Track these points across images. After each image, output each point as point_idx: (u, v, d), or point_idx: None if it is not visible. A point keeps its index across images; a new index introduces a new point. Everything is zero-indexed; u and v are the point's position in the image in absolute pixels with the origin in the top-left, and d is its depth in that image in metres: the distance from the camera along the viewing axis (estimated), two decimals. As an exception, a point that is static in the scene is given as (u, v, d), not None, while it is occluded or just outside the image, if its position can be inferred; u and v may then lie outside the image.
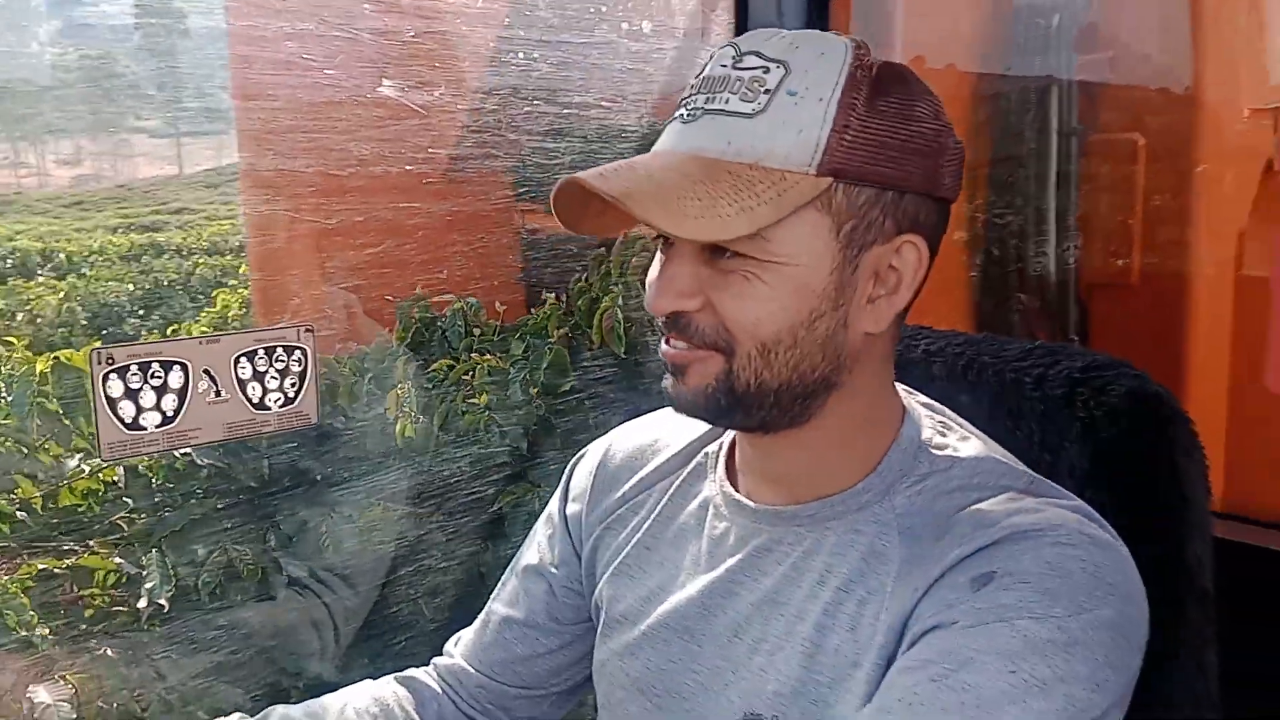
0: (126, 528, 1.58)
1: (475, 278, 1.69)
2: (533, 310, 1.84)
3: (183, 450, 1.54)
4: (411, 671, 1.24)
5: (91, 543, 1.56)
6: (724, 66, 0.88)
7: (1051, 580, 0.81)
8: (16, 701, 1.35)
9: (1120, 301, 2.31)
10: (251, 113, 1.43)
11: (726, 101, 0.86)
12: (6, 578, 1.47)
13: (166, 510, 1.56)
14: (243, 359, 1.34)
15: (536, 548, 1.20)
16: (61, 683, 1.40)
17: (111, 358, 1.23)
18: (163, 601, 1.52)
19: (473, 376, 1.81)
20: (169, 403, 1.29)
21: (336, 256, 1.50)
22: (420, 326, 1.79)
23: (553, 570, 1.17)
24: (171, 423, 1.30)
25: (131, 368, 1.25)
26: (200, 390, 1.32)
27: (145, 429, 1.28)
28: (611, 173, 0.86)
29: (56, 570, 1.49)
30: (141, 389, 1.26)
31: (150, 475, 1.58)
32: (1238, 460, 1.59)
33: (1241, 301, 2.10)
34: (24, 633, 1.42)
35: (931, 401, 1.03)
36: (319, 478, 1.66)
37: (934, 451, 0.95)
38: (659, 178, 0.85)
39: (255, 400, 1.37)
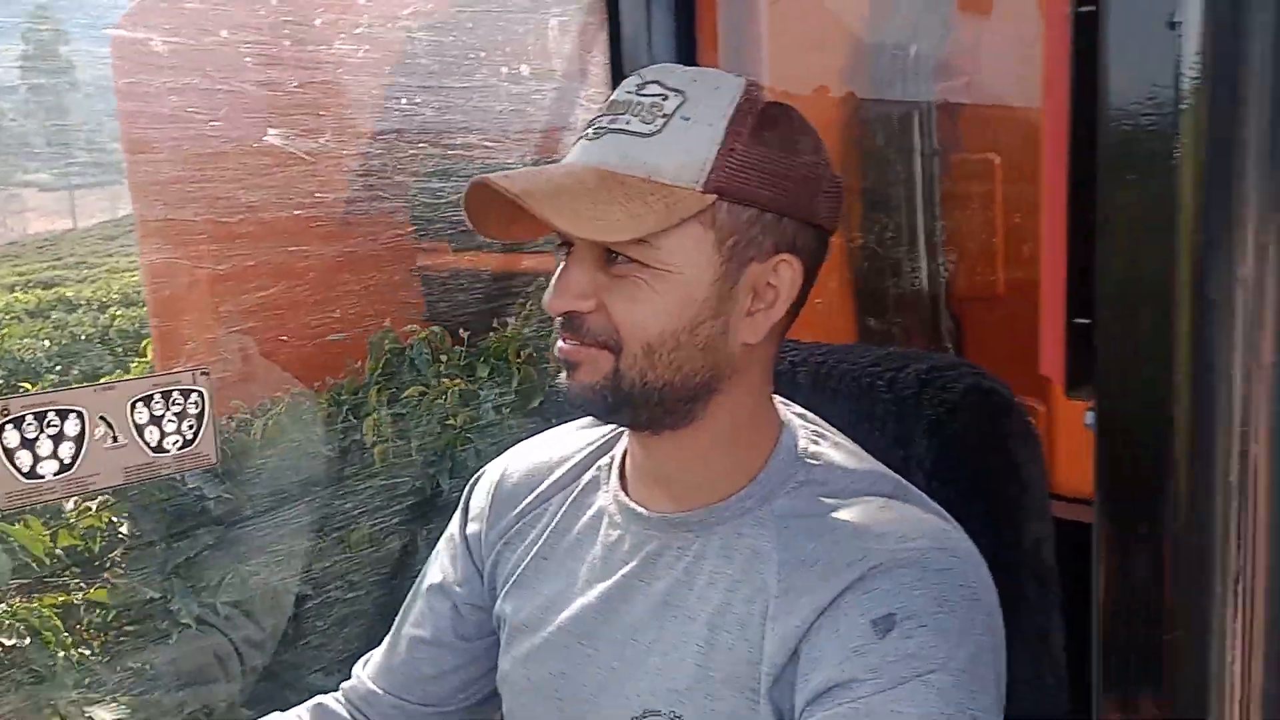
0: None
1: (369, 315, 1.74)
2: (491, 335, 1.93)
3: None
4: (318, 700, 1.26)
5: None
6: (629, 93, 0.97)
7: (943, 618, 0.89)
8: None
9: (988, 313, 2.45)
10: (140, 165, 1.46)
11: (628, 123, 0.95)
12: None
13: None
14: (139, 404, 1.37)
15: (440, 567, 1.23)
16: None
17: (6, 409, 1.24)
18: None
19: (445, 400, 1.89)
20: (66, 450, 1.31)
21: (230, 300, 1.53)
22: (390, 357, 1.89)
23: (456, 589, 1.20)
24: (69, 470, 1.31)
25: (27, 418, 1.26)
26: (97, 437, 1.33)
27: (43, 477, 1.29)
28: (518, 176, 0.94)
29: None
30: (38, 438, 1.28)
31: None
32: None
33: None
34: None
35: (804, 410, 1.11)
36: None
37: (809, 461, 1.03)
38: (559, 182, 0.93)
39: (153, 444, 1.39)
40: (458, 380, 1.87)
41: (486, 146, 1.75)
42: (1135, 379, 0.58)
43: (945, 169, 2.35)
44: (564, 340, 0.99)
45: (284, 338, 1.53)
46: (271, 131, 1.43)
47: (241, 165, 1.45)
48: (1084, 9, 0.62)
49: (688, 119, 0.94)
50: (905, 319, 2.36)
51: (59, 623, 1.61)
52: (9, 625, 1.59)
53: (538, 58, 1.84)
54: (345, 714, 1.24)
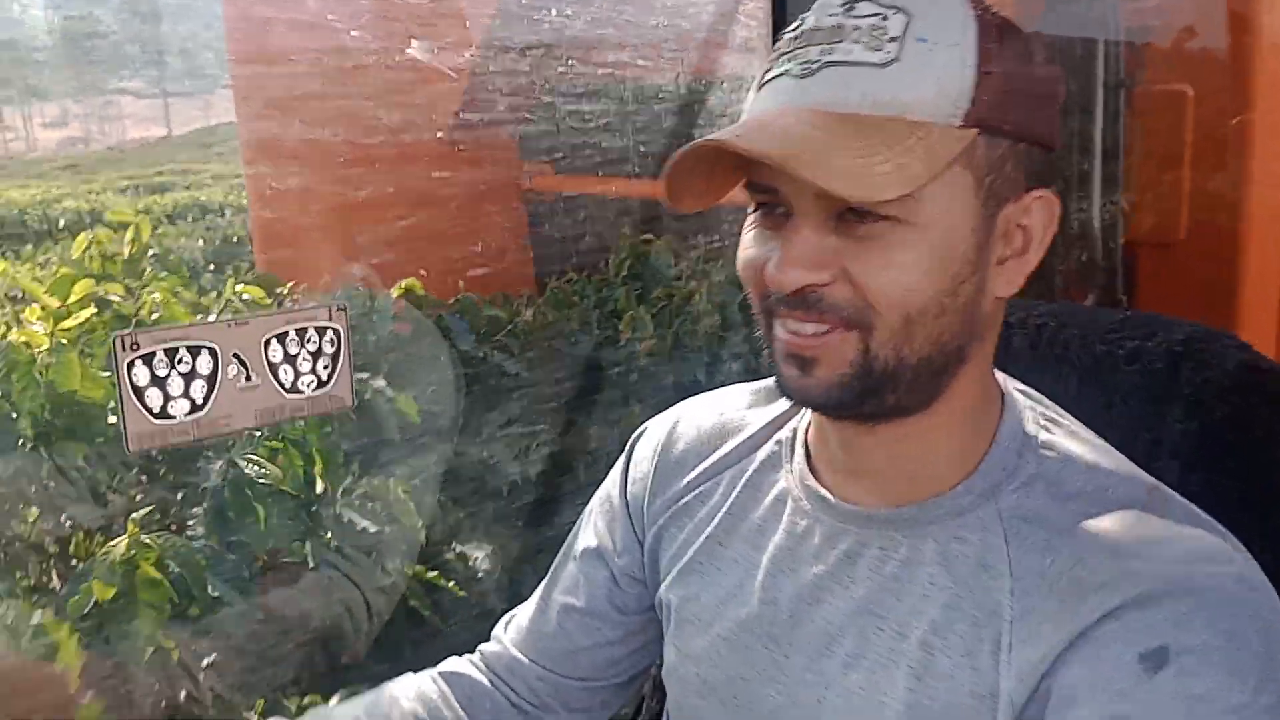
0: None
1: (511, 249, 1.62)
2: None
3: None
4: (454, 664, 1.17)
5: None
6: (833, 15, 0.81)
7: (1233, 655, 0.73)
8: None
9: (1167, 260, 2.23)
10: (265, 78, 1.34)
11: (849, 52, 0.79)
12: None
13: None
14: (273, 341, 1.27)
15: (595, 531, 1.13)
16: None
17: (136, 343, 1.15)
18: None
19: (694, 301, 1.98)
20: (198, 389, 1.22)
21: (367, 230, 1.42)
22: (633, 258, 1.97)
23: (615, 557, 1.10)
24: (200, 410, 1.23)
25: (158, 353, 1.18)
26: (230, 375, 1.24)
27: (174, 418, 1.20)
28: (754, 134, 0.78)
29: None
30: (169, 376, 1.19)
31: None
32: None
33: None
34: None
35: (1030, 389, 0.95)
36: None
37: (1043, 451, 0.87)
38: (803, 134, 0.77)
39: (288, 384, 1.30)
40: (698, 284, 1.89)
41: (639, 65, 1.59)
42: None
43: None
44: (790, 326, 0.83)
45: (423, 272, 1.42)
46: (415, 44, 1.29)
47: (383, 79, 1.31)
48: None
49: (925, 41, 0.78)
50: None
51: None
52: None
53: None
54: (485, 680, 1.15)
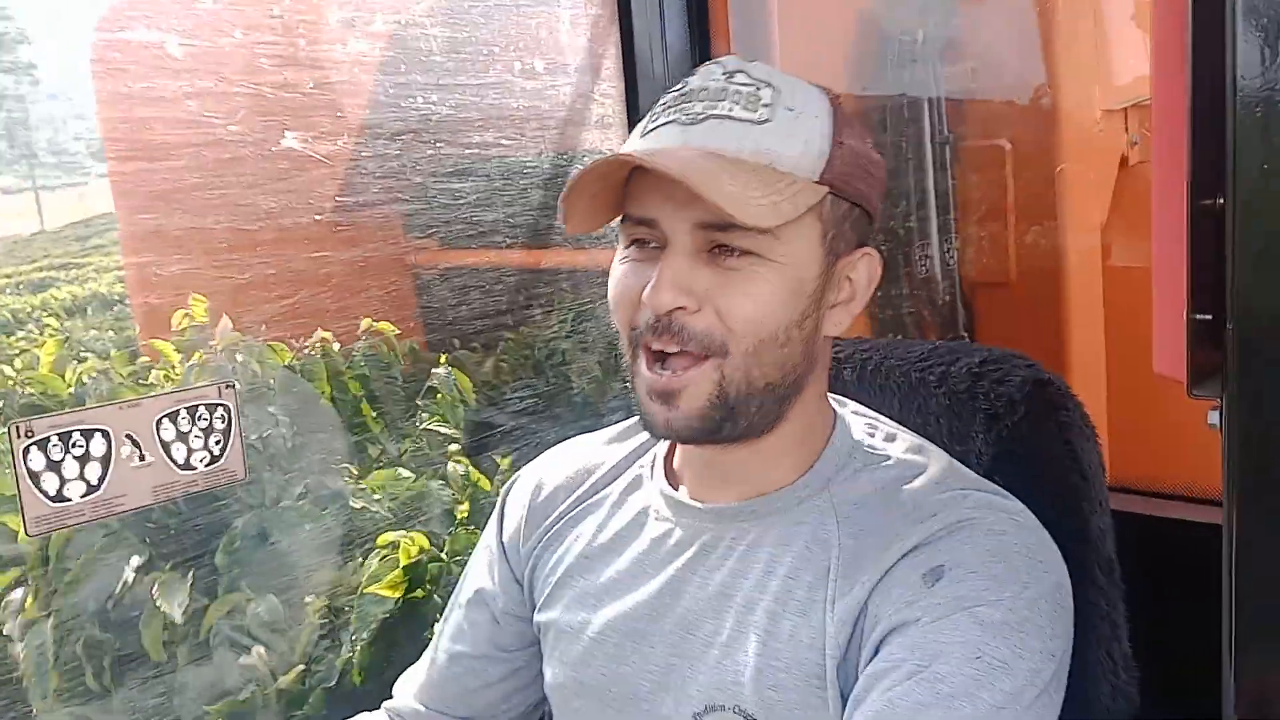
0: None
1: (397, 320, 1.71)
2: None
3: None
4: (364, 716, 1.24)
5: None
6: (715, 80, 0.94)
7: (995, 566, 0.88)
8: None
9: (999, 299, 2.44)
10: (147, 174, 1.42)
11: (730, 110, 0.92)
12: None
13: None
14: (165, 420, 1.33)
15: (476, 578, 1.21)
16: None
17: (31, 430, 1.20)
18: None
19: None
20: (92, 471, 1.27)
21: (253, 310, 1.50)
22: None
23: (495, 599, 1.18)
24: (96, 491, 1.27)
25: (52, 439, 1.23)
26: (124, 456, 1.30)
27: (70, 500, 1.25)
28: (652, 156, 0.88)
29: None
30: (64, 459, 1.24)
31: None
32: (1120, 437, 1.71)
33: (1111, 290, 2.26)
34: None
35: (860, 406, 1.10)
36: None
37: (867, 450, 1.02)
38: (694, 163, 0.89)
39: (181, 461, 1.36)
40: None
41: (503, 144, 1.71)
42: (1273, 378, 0.56)
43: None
44: (655, 347, 0.93)
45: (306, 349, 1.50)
46: (289, 134, 1.39)
47: (259, 170, 1.41)
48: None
49: (792, 110, 0.93)
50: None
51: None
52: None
53: (551, 51, 1.81)
54: None
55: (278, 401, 1.57)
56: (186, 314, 1.52)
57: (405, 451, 1.86)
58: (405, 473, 1.83)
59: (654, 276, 0.92)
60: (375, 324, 1.69)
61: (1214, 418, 0.66)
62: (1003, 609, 0.85)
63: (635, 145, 0.96)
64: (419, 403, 1.87)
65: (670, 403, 0.94)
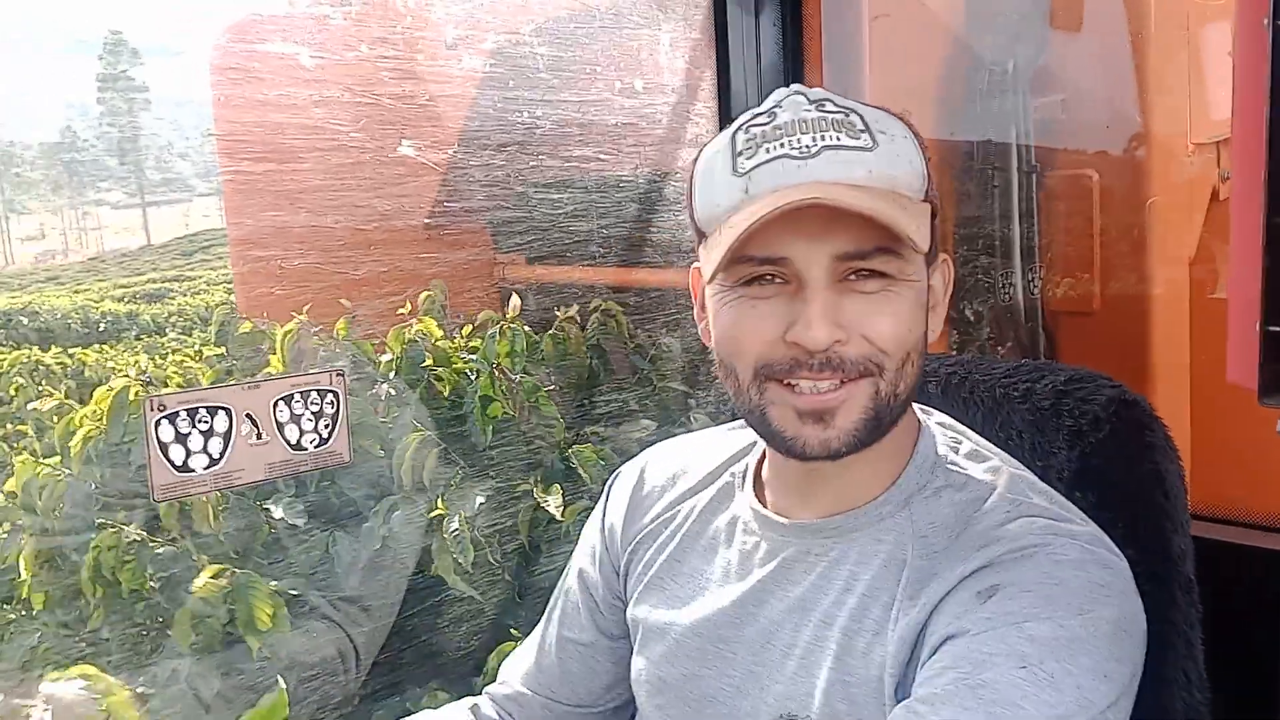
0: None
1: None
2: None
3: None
4: (471, 700, 1.28)
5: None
6: (808, 110, 0.95)
7: (1051, 588, 0.88)
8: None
9: (1083, 327, 2.44)
10: (282, 174, 1.52)
11: (838, 139, 0.93)
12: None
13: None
14: (280, 403, 1.42)
15: (581, 566, 1.25)
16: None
17: (163, 404, 1.30)
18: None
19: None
20: (215, 446, 1.36)
21: (365, 305, 1.59)
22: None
23: (598, 587, 1.22)
24: (217, 464, 1.36)
25: (181, 413, 1.32)
26: (243, 433, 1.39)
27: (194, 471, 1.34)
28: (831, 193, 0.89)
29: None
30: (190, 433, 1.33)
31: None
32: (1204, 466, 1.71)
33: (1199, 323, 2.24)
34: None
35: (946, 419, 1.12)
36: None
37: (949, 467, 1.03)
38: (859, 199, 0.89)
39: (293, 442, 1.44)
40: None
41: (601, 159, 1.79)
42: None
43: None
44: (805, 387, 0.94)
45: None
46: (405, 142, 1.48)
47: (378, 175, 1.50)
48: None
49: (885, 133, 0.95)
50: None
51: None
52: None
53: (650, 71, 1.88)
54: (496, 716, 1.26)
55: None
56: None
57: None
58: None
59: (805, 315, 0.92)
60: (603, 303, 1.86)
61: (1287, 425, 0.68)
62: (1052, 625, 0.86)
63: (749, 183, 0.95)
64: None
65: (827, 421, 0.95)
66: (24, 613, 1.54)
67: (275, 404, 1.41)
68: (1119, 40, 2.38)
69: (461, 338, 1.72)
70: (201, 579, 1.48)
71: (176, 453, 1.32)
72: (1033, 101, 2.40)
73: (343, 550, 1.62)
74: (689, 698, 1.08)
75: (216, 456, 1.36)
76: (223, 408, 1.36)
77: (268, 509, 1.57)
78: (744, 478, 1.14)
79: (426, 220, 1.58)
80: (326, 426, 1.46)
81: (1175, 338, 2.29)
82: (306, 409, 1.44)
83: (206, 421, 1.34)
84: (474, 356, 1.68)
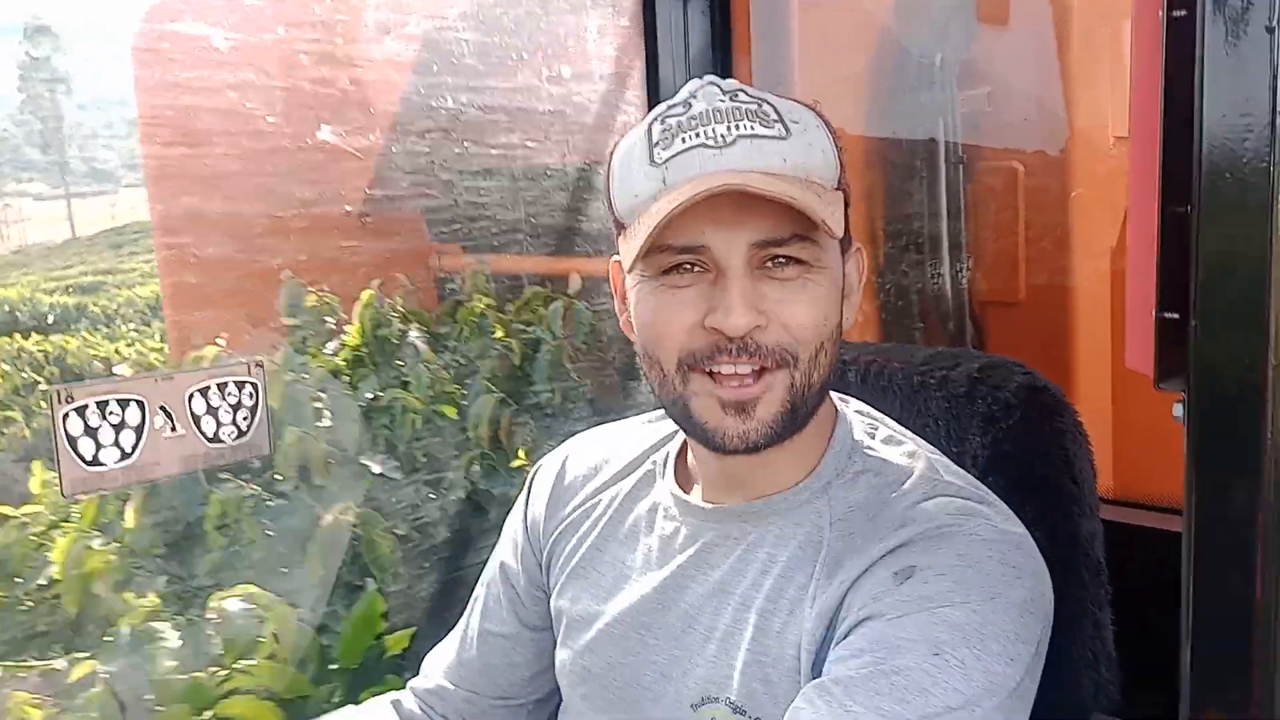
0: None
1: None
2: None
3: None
4: (393, 695, 1.27)
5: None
6: (723, 101, 0.95)
7: (965, 571, 0.90)
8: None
9: (1008, 317, 2.49)
10: (193, 159, 1.48)
11: (752, 128, 0.93)
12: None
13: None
14: (196, 395, 1.39)
15: (502, 559, 1.25)
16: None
17: (71, 396, 1.26)
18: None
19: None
20: (127, 439, 1.33)
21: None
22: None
23: (519, 579, 1.22)
24: (130, 458, 1.33)
25: (90, 406, 1.28)
26: (157, 426, 1.35)
27: (105, 465, 1.31)
28: (743, 179, 0.89)
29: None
30: (100, 426, 1.30)
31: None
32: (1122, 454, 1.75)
33: (1120, 312, 2.29)
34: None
35: (864, 406, 1.13)
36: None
37: (866, 452, 1.05)
38: (776, 185, 0.90)
39: (209, 434, 1.41)
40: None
41: (528, 147, 1.77)
42: (1232, 373, 0.61)
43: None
44: (726, 371, 0.95)
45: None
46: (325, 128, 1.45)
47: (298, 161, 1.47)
48: (1177, 14, 0.64)
49: (797, 123, 0.95)
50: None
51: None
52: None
53: (578, 59, 1.87)
54: (419, 710, 1.26)
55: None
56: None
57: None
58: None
59: (725, 301, 0.92)
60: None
61: (1179, 410, 0.70)
62: (966, 610, 0.87)
63: (634, 181, 0.96)
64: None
65: (747, 413, 0.96)
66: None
67: (190, 396, 1.38)
68: (1044, 33, 2.43)
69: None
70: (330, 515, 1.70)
71: (86, 446, 1.29)
72: (960, 94, 2.43)
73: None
74: (613, 686, 1.09)
75: (129, 450, 1.33)
76: (135, 400, 1.32)
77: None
78: (665, 465, 1.15)
79: (348, 208, 1.56)
80: (245, 419, 1.43)
81: (1097, 327, 2.34)
82: (224, 400, 1.41)
83: (118, 415, 1.31)
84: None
